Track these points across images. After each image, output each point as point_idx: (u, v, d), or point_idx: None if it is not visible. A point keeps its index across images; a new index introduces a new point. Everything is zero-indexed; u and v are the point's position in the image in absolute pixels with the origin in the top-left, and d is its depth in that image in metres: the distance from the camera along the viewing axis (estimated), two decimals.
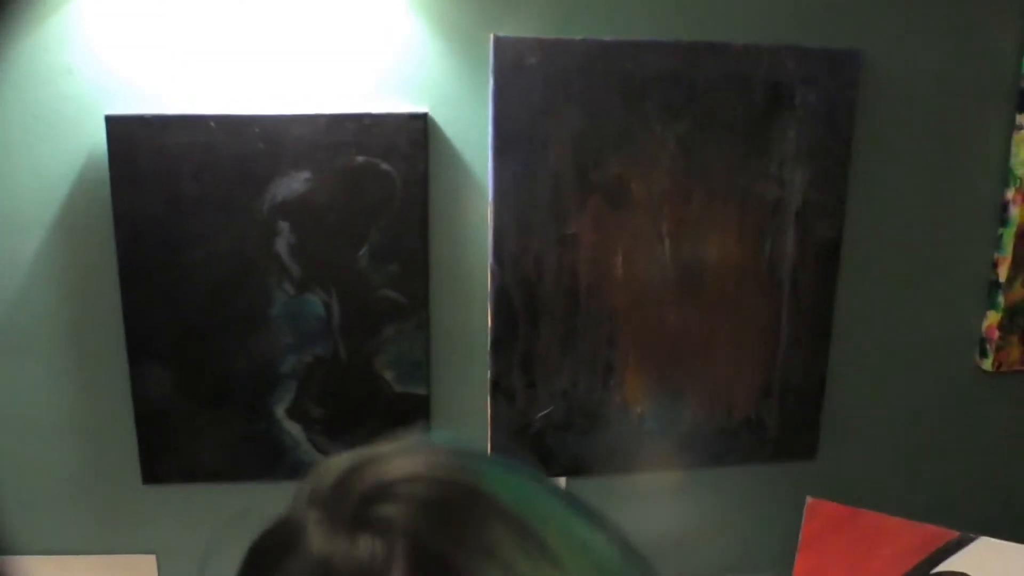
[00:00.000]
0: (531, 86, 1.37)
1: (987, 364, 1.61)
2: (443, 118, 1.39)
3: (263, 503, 1.51)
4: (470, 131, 1.40)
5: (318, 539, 0.45)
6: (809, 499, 1.50)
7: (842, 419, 1.62)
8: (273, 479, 1.48)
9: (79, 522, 1.52)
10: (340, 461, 0.50)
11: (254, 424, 1.45)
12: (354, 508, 0.45)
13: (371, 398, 1.46)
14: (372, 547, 0.43)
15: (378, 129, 1.37)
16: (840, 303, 1.54)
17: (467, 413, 1.49)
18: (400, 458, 0.49)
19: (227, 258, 1.39)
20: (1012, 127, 1.53)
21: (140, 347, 1.42)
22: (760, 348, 1.50)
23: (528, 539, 0.44)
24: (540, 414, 1.47)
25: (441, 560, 0.43)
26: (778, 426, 1.55)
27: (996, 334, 1.58)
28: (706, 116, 1.42)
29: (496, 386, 1.45)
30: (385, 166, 1.38)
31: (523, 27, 1.37)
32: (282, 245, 1.39)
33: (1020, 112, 1.52)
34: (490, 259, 1.41)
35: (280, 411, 1.45)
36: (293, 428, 1.46)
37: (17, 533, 1.52)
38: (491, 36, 1.35)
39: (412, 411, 1.47)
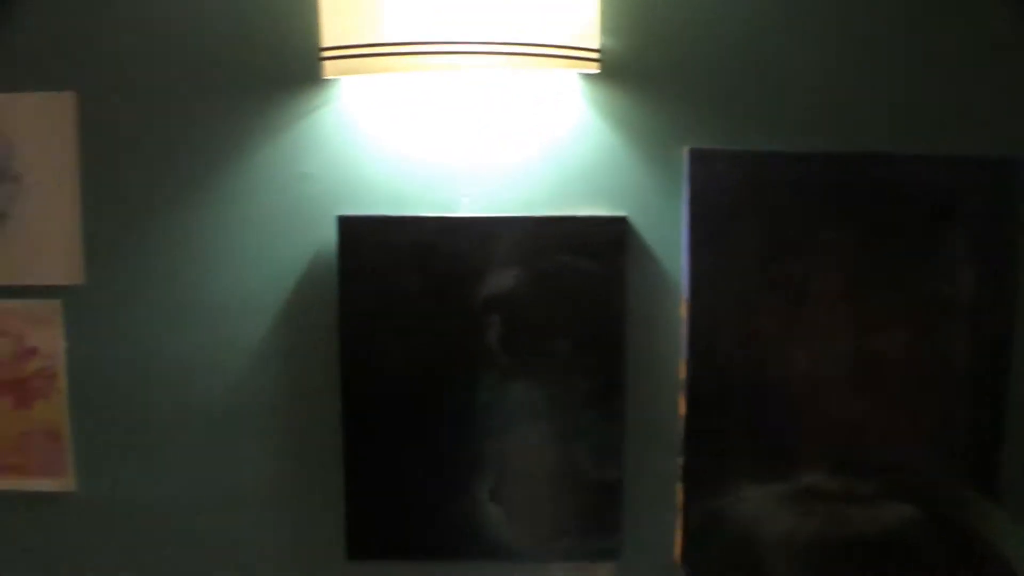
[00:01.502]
0: (721, 192, 1.49)
1: None
2: (640, 221, 1.51)
3: None
4: (664, 233, 1.51)
5: None
6: None
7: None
8: (472, 559, 1.55)
9: None
10: None
11: (458, 505, 1.53)
12: None
13: (567, 482, 1.53)
14: None
15: (581, 231, 1.49)
16: (1013, 399, 1.58)
17: (657, 499, 1.54)
18: None
19: (442, 347, 1.50)
20: None
21: (355, 427, 1.52)
22: (934, 440, 1.56)
23: None
24: (727, 500, 1.52)
25: None
26: None
27: None
28: (877, 221, 1.51)
29: (688, 472, 1.52)
30: (587, 264, 1.49)
31: (712, 139, 1.49)
32: (492, 336, 1.50)
33: None
34: (684, 352, 1.50)
35: (483, 493, 1.53)
36: (494, 510, 1.53)
37: None
38: (685, 149, 1.48)
39: (605, 495, 1.53)
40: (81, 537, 1.61)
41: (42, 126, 1.54)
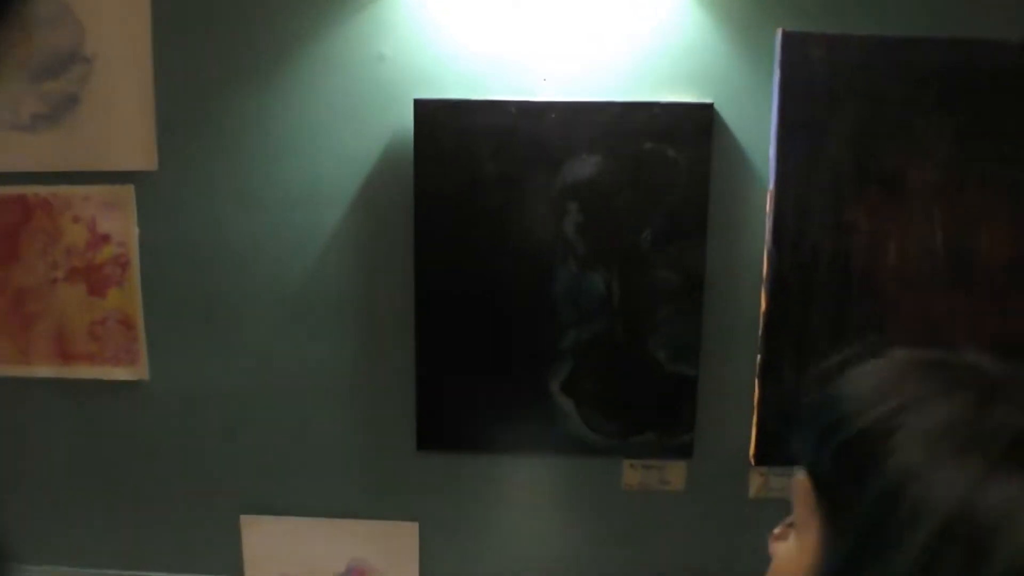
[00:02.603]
0: (815, 79, 1.42)
1: None
2: (727, 108, 1.46)
3: (531, 476, 1.60)
4: (752, 121, 1.46)
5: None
6: None
7: None
8: (541, 453, 1.54)
9: (351, 486, 1.60)
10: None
11: (529, 397, 1.51)
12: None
13: (642, 377, 1.51)
14: None
15: (666, 118, 1.44)
16: None
17: (733, 395, 1.52)
18: None
19: (518, 235, 1.47)
20: None
21: (428, 318, 1.51)
22: None
23: None
24: (807, 399, 1.49)
25: None
26: None
27: None
28: (981, 110, 1.44)
29: (766, 368, 1.48)
30: (671, 153, 1.45)
31: (805, 22, 1.43)
32: (570, 225, 1.47)
33: None
34: (768, 244, 1.46)
35: (555, 386, 1.51)
36: (566, 403, 1.52)
37: (291, 495, 1.61)
38: (778, 31, 1.42)
39: (680, 391, 1.51)
40: (154, 425, 1.63)
41: (115, 6, 1.52)
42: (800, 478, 0.59)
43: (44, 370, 1.64)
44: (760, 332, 1.48)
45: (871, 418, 0.52)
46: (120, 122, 1.55)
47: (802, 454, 0.59)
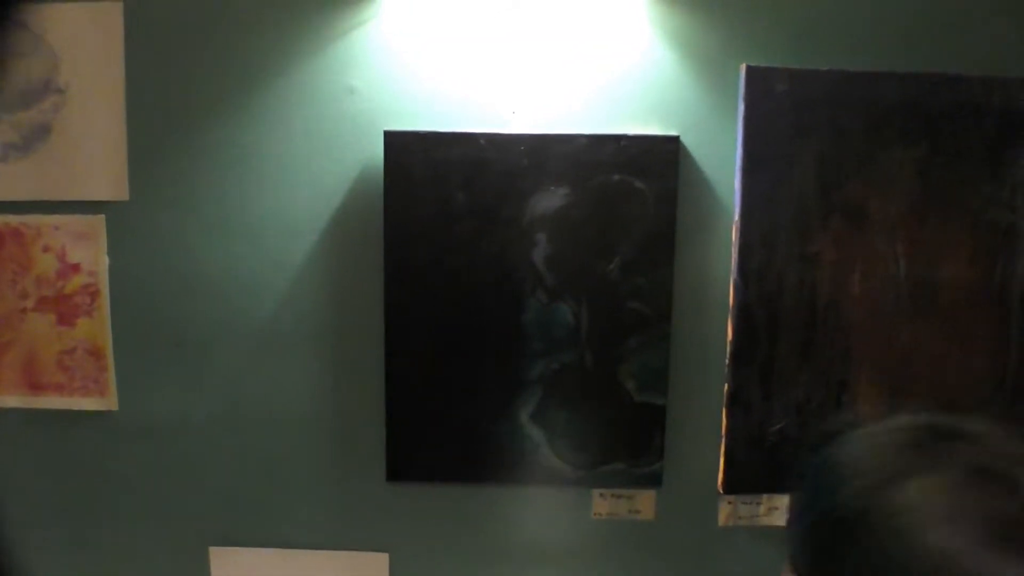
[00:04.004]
0: (779, 111, 1.44)
1: None
2: (693, 141, 1.48)
3: (501, 506, 1.59)
4: (717, 154, 1.48)
5: None
6: None
7: None
8: (511, 483, 1.54)
9: (320, 517, 1.59)
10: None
11: (499, 427, 1.51)
12: None
13: (611, 406, 1.51)
14: None
15: (633, 150, 1.46)
16: None
17: (702, 424, 1.52)
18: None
19: (487, 266, 1.48)
20: None
21: (398, 347, 1.50)
22: (989, 368, 1.52)
23: None
24: (774, 427, 1.50)
25: None
26: None
27: None
28: (942, 143, 1.47)
29: (733, 398, 1.49)
30: (638, 184, 1.46)
31: (769, 57, 1.46)
32: (539, 255, 1.48)
33: None
34: (734, 274, 1.47)
35: (524, 415, 1.51)
36: (535, 433, 1.52)
37: (260, 526, 1.59)
38: (743, 66, 1.44)
39: (649, 420, 1.51)
40: (123, 456, 1.61)
41: (88, 37, 1.52)
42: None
43: (12, 400, 1.63)
44: (727, 361, 1.49)
45: (848, 500, 0.52)
46: (92, 152, 1.55)
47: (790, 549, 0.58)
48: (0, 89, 1.52)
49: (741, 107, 1.45)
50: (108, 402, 1.61)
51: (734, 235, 1.47)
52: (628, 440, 1.52)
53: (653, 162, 1.46)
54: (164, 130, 1.52)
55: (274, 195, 1.52)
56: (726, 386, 1.50)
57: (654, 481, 1.53)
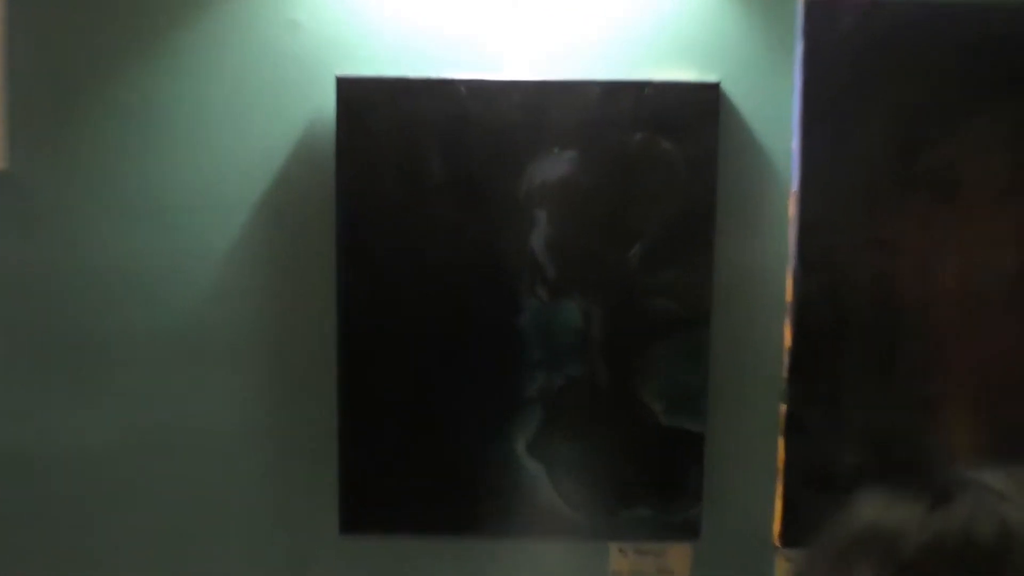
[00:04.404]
0: (848, 53, 1.19)
1: None
2: (738, 89, 1.23)
3: (489, 563, 1.31)
4: (770, 106, 1.23)
5: None
6: None
7: None
8: (502, 534, 1.26)
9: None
10: None
11: (486, 462, 1.23)
12: None
13: (632, 434, 1.24)
14: None
15: (661, 101, 1.21)
16: None
17: (751, 456, 1.26)
18: None
19: (470, 253, 1.23)
20: None
21: (355, 360, 1.23)
22: None
23: None
24: (847, 461, 1.20)
25: None
26: None
27: None
28: None
29: (793, 423, 1.21)
30: (667, 145, 1.21)
31: None
32: (537, 239, 1.22)
33: None
34: (792, 263, 1.21)
35: (520, 446, 1.23)
36: (534, 468, 1.24)
37: None
38: None
39: (682, 452, 1.24)
40: (10, 495, 1.30)
41: None
42: None
43: None
44: (784, 375, 1.22)
45: None
46: None
47: None
48: None
49: (800, 47, 1.20)
50: None
51: (791, 212, 1.21)
52: (655, 478, 1.25)
53: (686, 117, 1.21)
54: (55, 84, 1.26)
55: (193, 163, 1.26)
56: (783, 407, 1.23)
57: (689, 531, 1.25)
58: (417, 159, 1.19)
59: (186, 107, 1.23)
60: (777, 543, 1.25)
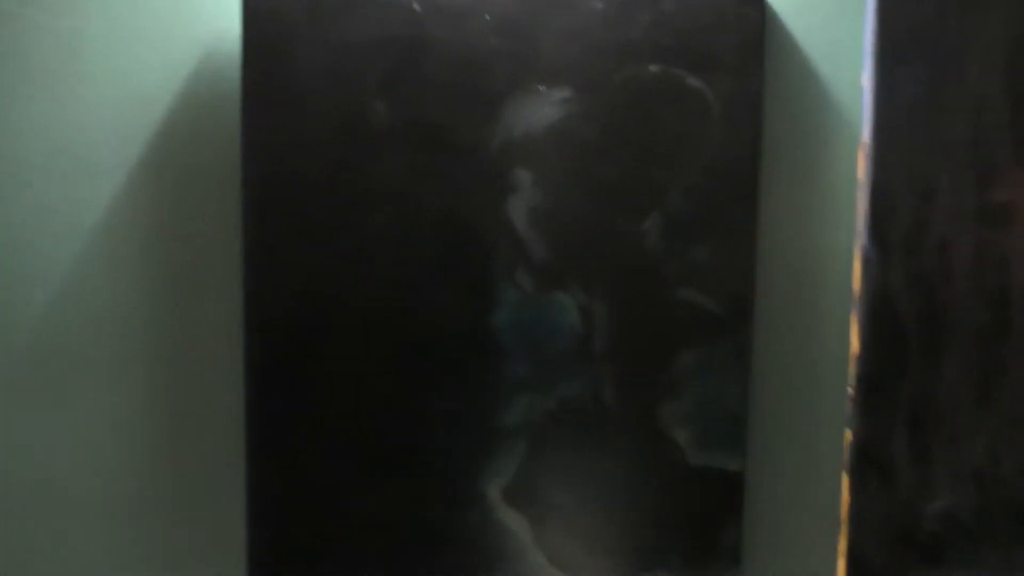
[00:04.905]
0: None
1: None
2: (790, 7, 0.91)
3: None
4: (833, 31, 0.93)
5: None
6: None
7: None
8: None
9: None
10: None
11: (452, 514, 0.90)
12: None
13: (648, 474, 0.92)
14: None
15: (685, 21, 0.88)
16: None
17: (806, 501, 0.96)
18: None
19: (425, 227, 0.89)
20: None
21: (269, 374, 0.90)
22: None
23: None
24: (935, 507, 0.90)
25: None
26: None
27: None
28: None
29: (862, 456, 0.90)
30: (694, 82, 0.90)
31: None
32: (518, 208, 0.89)
33: None
34: (862, 240, 0.90)
35: (494, 491, 0.91)
36: (513, 521, 0.91)
37: None
38: None
39: (716, 497, 0.92)
40: None
41: None
42: None
43: None
44: (850, 394, 0.91)
45: None
46: None
47: None
48: None
49: None
50: None
51: (861, 172, 0.90)
52: (680, 530, 0.93)
53: (720, 44, 0.89)
54: None
55: (55, 109, 0.92)
56: (849, 436, 0.91)
57: None
58: (354, 101, 0.87)
59: (44, 41, 0.90)
60: None
